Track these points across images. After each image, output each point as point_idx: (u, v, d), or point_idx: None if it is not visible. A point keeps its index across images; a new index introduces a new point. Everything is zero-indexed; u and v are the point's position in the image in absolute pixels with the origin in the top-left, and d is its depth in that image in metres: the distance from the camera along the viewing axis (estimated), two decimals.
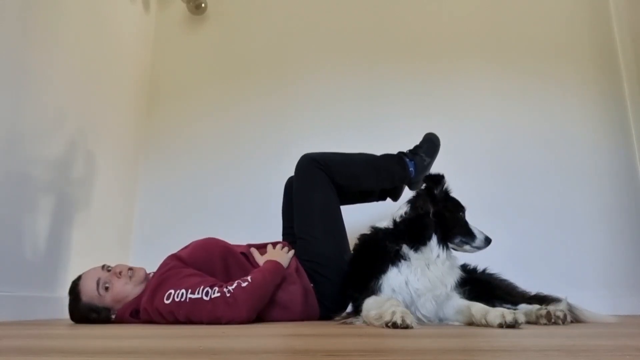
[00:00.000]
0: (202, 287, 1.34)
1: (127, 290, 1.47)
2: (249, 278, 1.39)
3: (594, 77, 2.58)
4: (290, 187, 1.85)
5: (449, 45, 2.72)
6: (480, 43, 2.70)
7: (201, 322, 1.33)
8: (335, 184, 1.73)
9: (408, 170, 1.80)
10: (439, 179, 1.49)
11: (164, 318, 1.37)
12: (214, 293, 1.32)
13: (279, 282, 1.52)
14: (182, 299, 1.33)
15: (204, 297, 1.32)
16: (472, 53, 2.69)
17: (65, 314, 1.50)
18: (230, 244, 1.67)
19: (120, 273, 1.48)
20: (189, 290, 1.34)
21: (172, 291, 1.35)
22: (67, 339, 0.94)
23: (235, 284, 1.36)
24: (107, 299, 1.45)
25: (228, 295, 1.32)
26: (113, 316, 1.47)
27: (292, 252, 1.68)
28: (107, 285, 1.45)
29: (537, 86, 2.59)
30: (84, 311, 1.45)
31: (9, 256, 1.63)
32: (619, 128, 2.50)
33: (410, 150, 1.87)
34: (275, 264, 1.53)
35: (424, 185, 1.51)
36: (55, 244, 1.89)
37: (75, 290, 1.46)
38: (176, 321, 1.36)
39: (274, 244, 1.71)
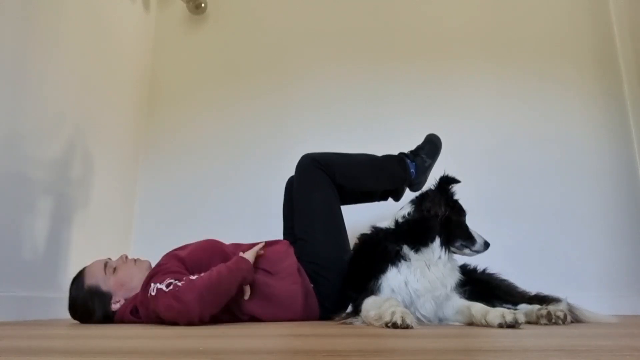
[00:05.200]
0: (168, 279, 1.29)
1: (132, 273, 1.50)
2: (203, 273, 1.33)
3: (594, 76, 2.58)
4: (291, 187, 1.85)
5: (449, 46, 2.72)
6: (480, 43, 2.70)
7: (163, 318, 1.27)
8: (336, 184, 1.73)
9: (409, 171, 1.80)
10: (454, 182, 1.48)
11: (148, 311, 1.35)
12: (170, 286, 1.27)
13: (241, 279, 1.41)
14: (153, 293, 1.29)
15: (165, 289, 1.27)
16: (472, 53, 2.69)
17: (65, 314, 1.50)
18: (229, 249, 1.62)
19: (125, 258, 1.55)
20: (159, 282, 1.30)
21: (152, 285, 1.31)
22: (67, 339, 0.94)
23: (186, 278, 1.30)
24: (112, 281, 1.47)
25: (176, 289, 1.26)
26: (114, 306, 1.46)
27: (260, 245, 1.59)
28: (114, 267, 1.50)
29: (537, 86, 2.59)
30: (85, 294, 1.44)
31: (9, 256, 1.63)
32: (619, 128, 2.49)
33: (411, 152, 1.86)
34: (237, 261, 1.44)
35: (435, 186, 1.50)
36: (54, 245, 1.89)
37: (80, 276, 1.49)
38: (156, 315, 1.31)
39: (273, 242, 1.70)
